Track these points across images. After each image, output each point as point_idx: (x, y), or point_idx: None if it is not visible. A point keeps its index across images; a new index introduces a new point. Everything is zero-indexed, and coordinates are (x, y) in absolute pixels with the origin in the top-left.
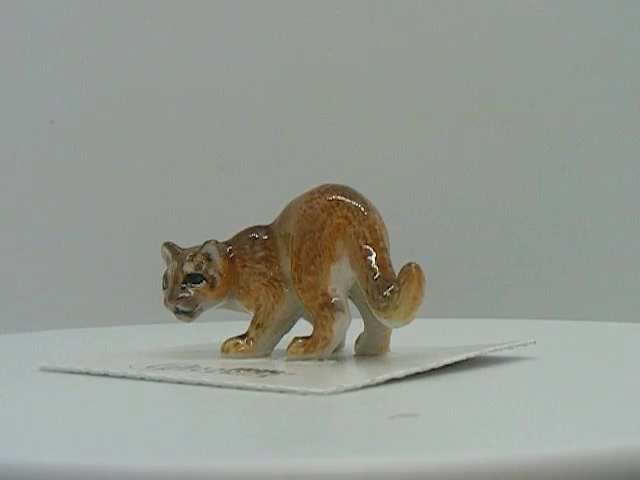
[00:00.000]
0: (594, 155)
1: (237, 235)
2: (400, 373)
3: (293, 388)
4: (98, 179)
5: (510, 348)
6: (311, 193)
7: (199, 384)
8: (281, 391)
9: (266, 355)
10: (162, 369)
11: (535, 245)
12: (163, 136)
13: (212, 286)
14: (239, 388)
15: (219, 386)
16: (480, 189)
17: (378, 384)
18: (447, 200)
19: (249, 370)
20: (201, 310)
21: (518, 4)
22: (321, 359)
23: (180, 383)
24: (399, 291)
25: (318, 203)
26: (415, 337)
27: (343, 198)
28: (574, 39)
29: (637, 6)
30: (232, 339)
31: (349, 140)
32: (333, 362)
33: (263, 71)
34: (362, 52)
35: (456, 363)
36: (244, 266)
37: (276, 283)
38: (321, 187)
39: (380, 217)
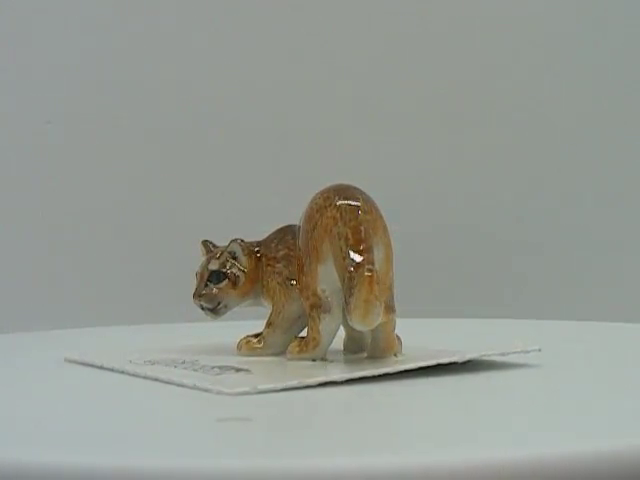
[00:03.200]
0: (595, 156)
1: (270, 234)
2: (338, 377)
3: (209, 387)
4: (100, 180)
5: (504, 355)
6: (317, 193)
7: (156, 379)
8: (205, 390)
9: (279, 353)
10: (152, 364)
11: (536, 246)
12: (163, 137)
13: (235, 284)
14: (181, 385)
15: (167, 382)
16: (480, 190)
17: (308, 387)
18: (448, 201)
19: (221, 367)
20: (226, 307)
21: (518, 4)
22: (314, 359)
23: (145, 378)
24: (353, 294)
25: (316, 203)
26: (456, 339)
27: (337, 198)
28: (574, 39)
29: (637, 6)
30: (247, 337)
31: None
32: (323, 363)
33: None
34: (367, 54)
35: (450, 366)
36: (268, 265)
37: (288, 282)
38: (326, 187)
39: (378, 219)
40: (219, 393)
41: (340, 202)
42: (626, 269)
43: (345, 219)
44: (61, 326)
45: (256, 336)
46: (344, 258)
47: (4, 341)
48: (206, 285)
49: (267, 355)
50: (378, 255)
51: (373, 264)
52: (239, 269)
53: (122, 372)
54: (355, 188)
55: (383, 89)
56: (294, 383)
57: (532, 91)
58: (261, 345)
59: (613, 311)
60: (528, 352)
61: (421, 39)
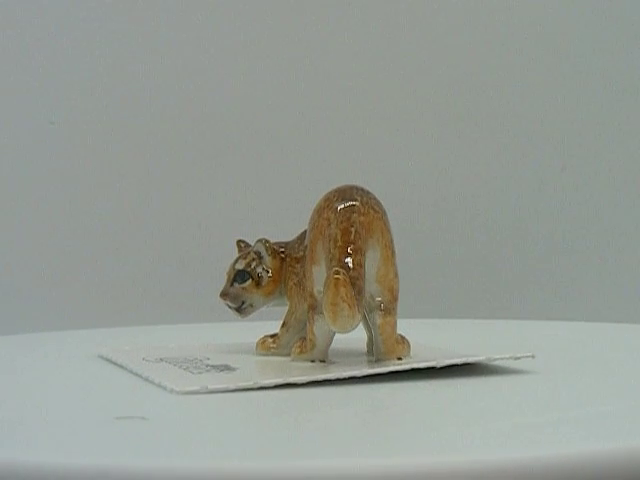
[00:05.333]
0: (594, 155)
1: (298, 235)
2: (297, 379)
3: (167, 385)
4: (108, 181)
5: (490, 361)
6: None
7: (139, 376)
8: (164, 388)
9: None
10: (160, 362)
11: (535, 244)
12: (165, 137)
13: (258, 284)
14: (152, 382)
15: (145, 379)
16: (478, 191)
17: (264, 388)
18: (446, 202)
19: (214, 366)
20: (252, 307)
21: (518, 4)
22: (313, 360)
23: (135, 375)
24: (323, 297)
25: (318, 205)
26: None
27: (336, 200)
28: (574, 38)
29: (637, 6)
30: (264, 337)
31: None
32: (321, 364)
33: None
34: (368, 56)
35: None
36: (290, 265)
37: (303, 283)
38: (333, 189)
39: (375, 220)
40: (171, 391)
41: (337, 204)
42: (622, 269)
43: (337, 221)
44: (111, 325)
45: (273, 336)
46: (330, 260)
47: (45, 338)
48: (232, 284)
49: (282, 355)
50: (374, 257)
51: (357, 266)
52: (263, 269)
53: (122, 367)
54: (358, 189)
55: (385, 89)
56: (249, 384)
57: (532, 91)
58: (275, 345)
59: (609, 311)
60: (518, 358)
61: (422, 39)
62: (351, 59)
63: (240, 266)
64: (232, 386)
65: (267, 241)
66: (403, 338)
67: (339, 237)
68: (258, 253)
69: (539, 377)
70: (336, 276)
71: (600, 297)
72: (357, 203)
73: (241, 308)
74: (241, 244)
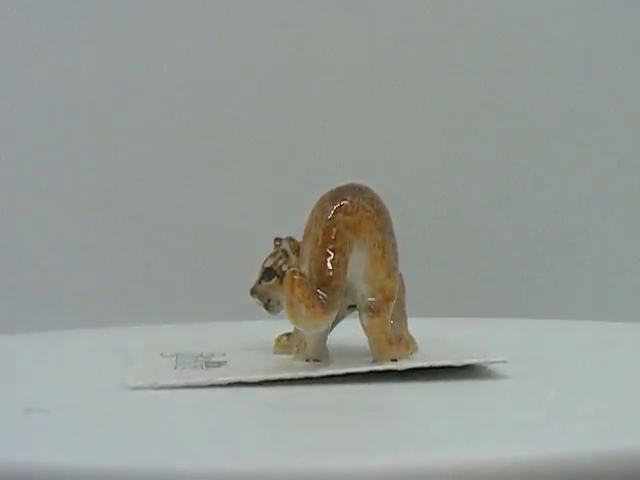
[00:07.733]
0: (593, 154)
1: None
2: (251, 378)
3: (128, 379)
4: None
5: (462, 363)
6: None
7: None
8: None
9: None
10: (170, 357)
11: (532, 243)
12: (168, 134)
13: (282, 281)
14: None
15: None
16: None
17: (215, 385)
18: (439, 201)
19: (207, 363)
20: (278, 304)
21: (518, 2)
22: (307, 360)
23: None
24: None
25: (316, 204)
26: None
27: (327, 199)
28: (573, 36)
29: (637, 6)
30: (281, 335)
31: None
32: (313, 363)
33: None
34: (366, 52)
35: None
36: None
37: None
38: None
39: (365, 220)
40: (127, 387)
41: (327, 203)
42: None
43: (322, 220)
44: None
45: (288, 335)
46: (310, 259)
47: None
48: (260, 282)
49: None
50: (360, 257)
51: (335, 266)
52: (288, 267)
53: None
54: (355, 188)
55: (389, 88)
56: (202, 380)
57: (531, 90)
58: (289, 344)
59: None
60: (491, 363)
61: (422, 37)
62: (354, 57)
63: (268, 264)
64: (181, 382)
65: (292, 239)
66: (400, 339)
67: (320, 236)
68: (285, 251)
69: (518, 380)
70: (292, 277)
71: (589, 295)
72: (346, 202)
73: (268, 305)
74: (276, 242)
